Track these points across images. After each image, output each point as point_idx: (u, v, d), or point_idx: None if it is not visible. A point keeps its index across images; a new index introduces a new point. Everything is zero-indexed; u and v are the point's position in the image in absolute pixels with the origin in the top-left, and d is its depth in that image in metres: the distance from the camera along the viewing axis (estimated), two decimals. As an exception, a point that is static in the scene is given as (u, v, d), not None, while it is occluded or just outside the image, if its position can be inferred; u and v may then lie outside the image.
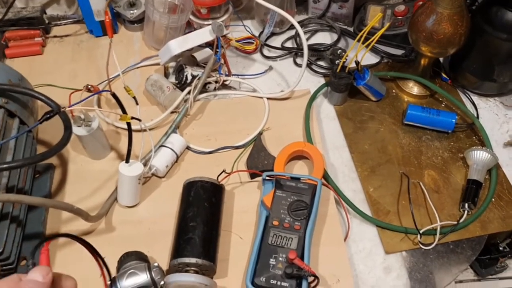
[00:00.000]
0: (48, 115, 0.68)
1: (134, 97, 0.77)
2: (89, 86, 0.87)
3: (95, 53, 1.09)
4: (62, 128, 0.73)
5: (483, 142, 0.92)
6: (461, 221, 0.81)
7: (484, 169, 0.86)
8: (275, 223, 0.76)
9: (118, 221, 0.82)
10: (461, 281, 0.97)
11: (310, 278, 0.70)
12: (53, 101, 0.72)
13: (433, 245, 0.79)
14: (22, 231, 0.76)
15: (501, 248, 0.98)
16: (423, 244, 0.80)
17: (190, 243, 0.72)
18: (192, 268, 0.71)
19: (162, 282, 0.70)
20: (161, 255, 0.77)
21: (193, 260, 0.70)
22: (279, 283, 0.70)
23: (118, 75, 1.00)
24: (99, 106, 0.97)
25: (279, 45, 1.10)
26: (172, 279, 0.68)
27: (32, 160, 0.67)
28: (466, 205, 0.82)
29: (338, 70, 0.94)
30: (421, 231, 0.79)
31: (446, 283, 0.78)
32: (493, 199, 0.85)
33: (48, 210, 0.82)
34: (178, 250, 0.73)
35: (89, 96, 0.79)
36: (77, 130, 0.82)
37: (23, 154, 0.78)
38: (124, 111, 0.75)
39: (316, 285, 0.71)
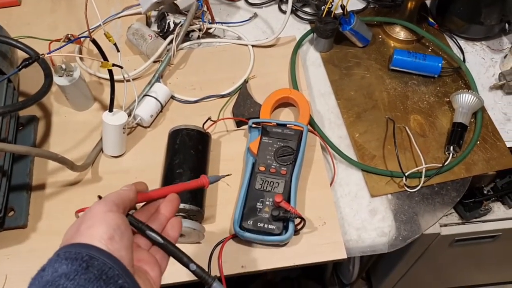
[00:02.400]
0: (27, 62, 0.66)
1: (115, 44, 0.75)
2: (69, 36, 0.85)
3: (74, 3, 1.06)
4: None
5: (469, 86, 0.92)
6: (446, 163, 0.82)
7: (470, 112, 0.86)
8: (262, 168, 0.76)
9: (104, 171, 0.82)
10: (445, 225, 0.99)
11: (297, 220, 0.71)
12: (31, 49, 0.70)
13: (418, 188, 0.80)
14: (8, 182, 0.76)
15: (485, 192, 1.00)
16: (408, 187, 0.81)
17: (177, 189, 0.72)
18: (180, 214, 0.71)
19: (150, 228, 0.71)
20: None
21: (180, 205, 0.70)
22: (266, 225, 0.71)
23: (99, 25, 0.98)
24: (80, 57, 0.95)
25: (263, -8, 1.08)
26: (160, 225, 0.69)
27: (13, 108, 0.66)
28: (451, 148, 0.83)
29: (323, 15, 0.92)
30: (406, 174, 0.80)
31: (431, 224, 0.80)
32: (478, 142, 0.86)
33: (33, 162, 0.82)
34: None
35: (68, 43, 0.77)
36: (58, 80, 0.81)
37: (4, 103, 0.77)
38: (105, 58, 0.74)
39: (303, 227, 0.72)
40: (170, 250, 0.47)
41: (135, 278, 0.40)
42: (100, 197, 0.45)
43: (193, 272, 0.46)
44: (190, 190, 0.54)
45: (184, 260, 0.47)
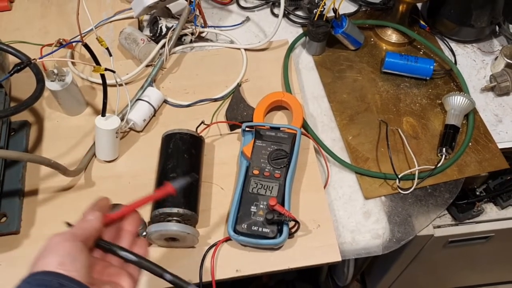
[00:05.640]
0: (19, 67, 0.66)
1: (107, 48, 0.75)
2: (61, 40, 0.85)
3: (65, 8, 1.05)
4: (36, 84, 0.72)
5: (460, 88, 0.93)
6: (438, 165, 0.82)
7: (462, 114, 0.87)
8: (256, 172, 0.76)
9: (97, 176, 0.81)
10: (439, 226, 0.99)
11: (291, 223, 0.71)
12: (23, 54, 0.70)
13: (411, 189, 0.81)
14: (0, 188, 0.75)
15: (477, 193, 1.00)
16: (401, 189, 0.81)
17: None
18: (174, 218, 0.71)
19: (144, 233, 0.70)
20: (143, 207, 0.77)
21: (174, 210, 0.70)
22: (260, 229, 0.71)
23: (91, 29, 0.98)
24: (73, 62, 0.95)
25: (256, -5, 1.08)
26: (154, 229, 0.69)
27: (5, 113, 0.66)
28: (444, 149, 0.84)
29: (315, 19, 0.93)
30: (399, 176, 0.81)
31: (424, 226, 0.80)
32: (470, 143, 0.87)
33: (25, 168, 0.81)
34: (159, 200, 0.73)
35: (60, 47, 0.77)
36: (50, 85, 0.80)
37: (-5, 110, 0.76)
38: (97, 63, 0.74)
39: (297, 230, 0.72)
40: (144, 265, 0.49)
41: None
42: (68, 224, 0.49)
43: (169, 281, 0.48)
44: (157, 200, 0.55)
45: (158, 272, 0.49)
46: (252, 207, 0.73)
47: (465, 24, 0.97)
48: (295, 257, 0.73)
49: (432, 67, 0.92)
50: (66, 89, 0.81)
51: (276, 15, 1.06)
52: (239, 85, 0.91)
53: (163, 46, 0.92)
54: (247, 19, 1.05)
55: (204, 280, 0.71)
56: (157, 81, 0.93)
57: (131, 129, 0.86)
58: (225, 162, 0.83)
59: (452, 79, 0.95)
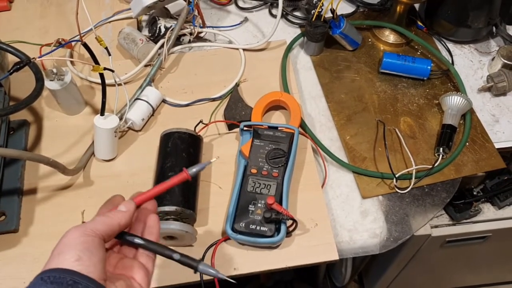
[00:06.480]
0: (18, 66, 0.66)
1: (106, 48, 0.75)
2: (60, 40, 0.85)
3: (65, 8, 1.06)
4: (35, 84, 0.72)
5: (458, 88, 0.93)
6: (436, 165, 0.82)
7: (459, 114, 0.87)
8: (253, 171, 0.77)
9: (96, 175, 0.82)
10: (436, 226, 0.99)
11: (289, 222, 0.72)
12: (22, 53, 0.70)
13: (408, 189, 0.81)
14: (-1, 186, 0.76)
15: (475, 193, 1.01)
16: (399, 188, 0.82)
17: (169, 192, 0.72)
18: (172, 216, 0.71)
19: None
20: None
21: (172, 208, 0.71)
22: (258, 227, 0.71)
23: (90, 29, 0.98)
24: (72, 61, 0.95)
25: (254, -4, 1.08)
26: (152, 228, 0.69)
27: (4, 112, 0.66)
28: (441, 149, 0.84)
29: (313, 19, 0.93)
30: (396, 176, 0.81)
31: (421, 225, 0.80)
32: (467, 143, 0.87)
33: (24, 166, 0.82)
34: (158, 199, 0.73)
35: (59, 47, 0.77)
36: (50, 84, 0.81)
37: (-6, 109, 0.77)
38: (96, 62, 0.74)
39: (295, 228, 0.72)
40: (151, 248, 0.50)
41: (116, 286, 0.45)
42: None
43: (178, 261, 0.50)
44: (174, 186, 0.56)
45: (166, 253, 0.50)
46: (250, 205, 0.73)
47: (462, 24, 0.97)
48: (293, 255, 0.73)
49: (429, 67, 0.92)
50: (65, 89, 0.82)
51: (274, 16, 1.06)
52: (237, 84, 0.92)
53: (162, 46, 0.93)
54: (246, 19, 1.05)
55: (203, 279, 0.71)
56: (155, 80, 0.93)
57: (129, 128, 0.86)
58: (223, 161, 0.83)
59: (449, 79, 0.96)
